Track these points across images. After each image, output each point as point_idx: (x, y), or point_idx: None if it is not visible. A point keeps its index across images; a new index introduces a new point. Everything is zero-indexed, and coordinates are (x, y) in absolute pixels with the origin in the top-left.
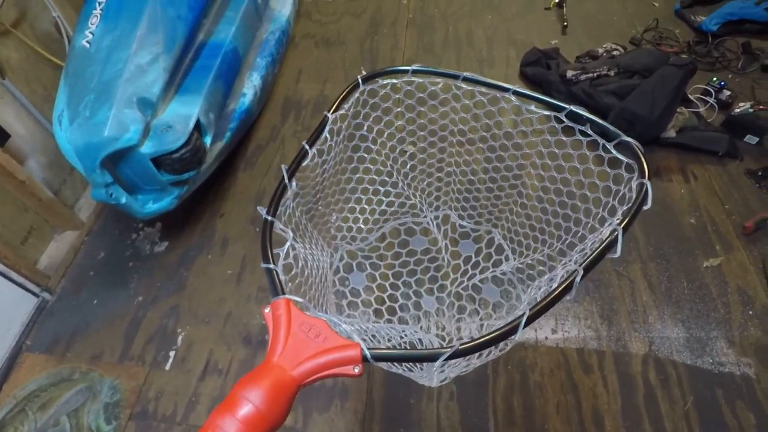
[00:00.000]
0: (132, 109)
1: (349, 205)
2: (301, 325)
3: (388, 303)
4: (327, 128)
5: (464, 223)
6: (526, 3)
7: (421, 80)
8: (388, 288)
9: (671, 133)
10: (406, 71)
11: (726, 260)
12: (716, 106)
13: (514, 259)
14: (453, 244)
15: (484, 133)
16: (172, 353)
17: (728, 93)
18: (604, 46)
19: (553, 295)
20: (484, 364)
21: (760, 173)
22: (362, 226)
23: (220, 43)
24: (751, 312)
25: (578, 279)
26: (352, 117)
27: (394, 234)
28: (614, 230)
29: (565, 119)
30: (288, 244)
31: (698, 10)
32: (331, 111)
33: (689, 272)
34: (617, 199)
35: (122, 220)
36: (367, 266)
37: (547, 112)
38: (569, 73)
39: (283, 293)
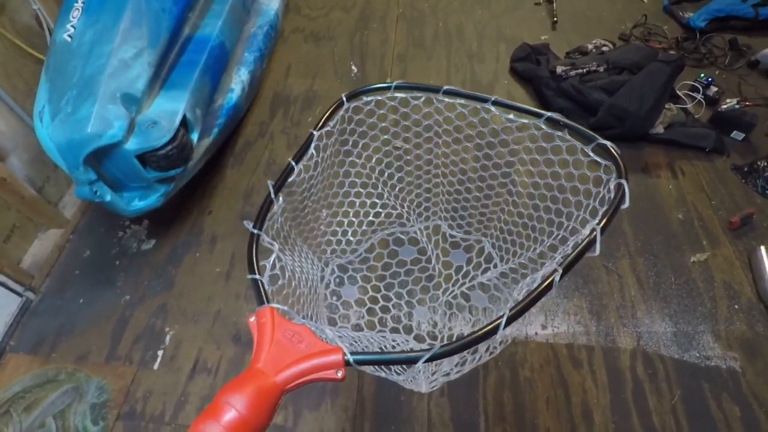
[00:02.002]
0: (116, 105)
1: (338, 219)
2: (285, 332)
3: (380, 314)
4: (313, 145)
5: (454, 233)
6: None
7: (403, 95)
8: (380, 300)
9: (659, 129)
10: (389, 87)
11: (712, 255)
12: (704, 102)
13: (501, 265)
14: (444, 254)
15: (469, 132)
16: (160, 352)
17: (715, 89)
18: (594, 42)
19: (532, 296)
20: None
21: (746, 169)
22: (351, 239)
23: (207, 37)
24: (736, 306)
25: (557, 278)
26: (338, 133)
27: (383, 245)
28: (593, 230)
29: (543, 126)
30: (274, 255)
31: (686, 6)
32: (317, 128)
33: (677, 267)
34: (597, 200)
35: (108, 218)
36: (358, 279)
37: (526, 120)
38: (559, 69)
39: (268, 302)
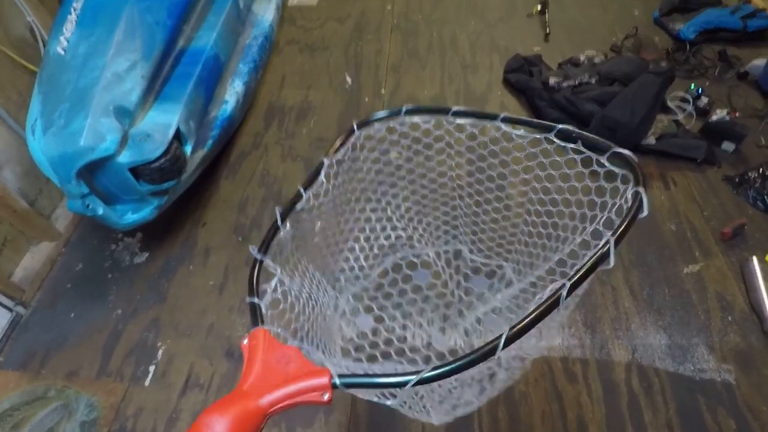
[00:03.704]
0: (109, 118)
1: (348, 244)
2: (275, 354)
3: (396, 344)
4: (323, 173)
5: (474, 257)
6: (509, 9)
7: (414, 119)
8: (397, 329)
9: (651, 140)
10: (399, 112)
11: (705, 266)
12: (694, 113)
13: (516, 284)
14: (465, 280)
15: (481, 151)
16: (152, 368)
17: (706, 100)
18: (586, 53)
19: (535, 313)
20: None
21: (737, 180)
22: (363, 264)
23: (201, 49)
24: (730, 318)
25: (564, 293)
26: (350, 160)
27: (396, 270)
28: (606, 241)
29: (555, 139)
30: (275, 280)
31: (676, 17)
32: (328, 155)
33: (670, 279)
34: (614, 211)
35: (101, 231)
36: (374, 308)
37: (537, 135)
38: (551, 81)
39: (262, 323)
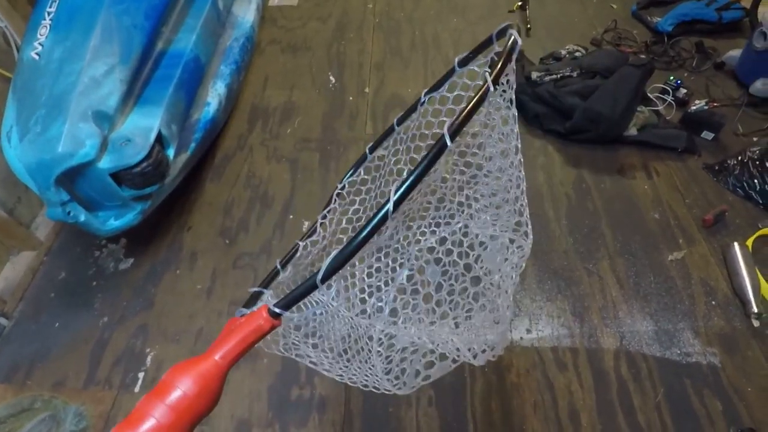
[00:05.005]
0: (87, 123)
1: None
2: (233, 324)
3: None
4: (319, 223)
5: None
6: (490, 6)
7: (353, 178)
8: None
9: (633, 131)
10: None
11: (689, 253)
12: (674, 103)
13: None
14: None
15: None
16: (141, 374)
17: (684, 91)
18: (567, 47)
19: (423, 164)
20: (461, 368)
21: (716, 167)
22: (375, 292)
23: (181, 51)
24: (714, 302)
25: (447, 133)
26: (349, 203)
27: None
28: (485, 78)
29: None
30: (265, 297)
31: (654, 11)
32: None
33: (655, 266)
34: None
35: (83, 238)
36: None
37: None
38: (534, 75)
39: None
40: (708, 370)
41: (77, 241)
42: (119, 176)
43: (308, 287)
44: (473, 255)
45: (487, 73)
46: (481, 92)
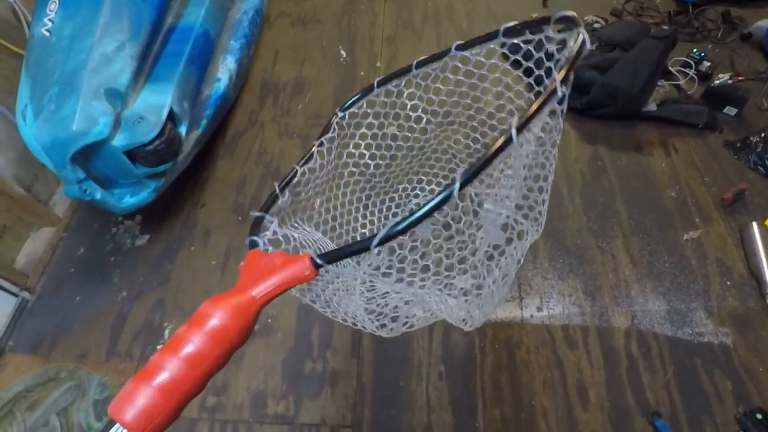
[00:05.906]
0: (100, 101)
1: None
2: (264, 260)
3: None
4: (315, 150)
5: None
6: None
7: (389, 87)
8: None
9: (652, 106)
10: (372, 88)
11: (705, 232)
12: (696, 77)
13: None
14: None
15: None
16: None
17: (708, 64)
18: (585, 18)
19: (488, 155)
20: (471, 344)
21: (738, 145)
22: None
23: (191, 26)
24: (729, 282)
25: (514, 129)
26: (339, 137)
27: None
28: (552, 79)
29: (504, 39)
30: (273, 226)
31: None
32: (318, 139)
33: (670, 245)
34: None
35: (100, 214)
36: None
37: (492, 45)
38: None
39: (255, 246)
40: (719, 350)
41: (94, 218)
42: (133, 154)
43: (360, 248)
44: (476, 224)
45: (554, 72)
46: (548, 93)
